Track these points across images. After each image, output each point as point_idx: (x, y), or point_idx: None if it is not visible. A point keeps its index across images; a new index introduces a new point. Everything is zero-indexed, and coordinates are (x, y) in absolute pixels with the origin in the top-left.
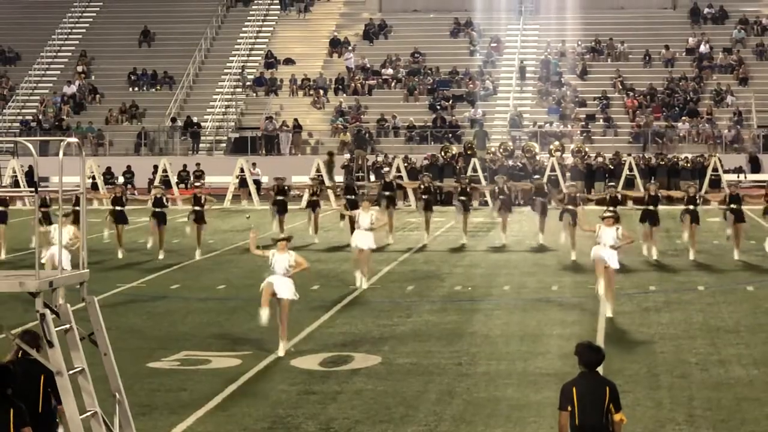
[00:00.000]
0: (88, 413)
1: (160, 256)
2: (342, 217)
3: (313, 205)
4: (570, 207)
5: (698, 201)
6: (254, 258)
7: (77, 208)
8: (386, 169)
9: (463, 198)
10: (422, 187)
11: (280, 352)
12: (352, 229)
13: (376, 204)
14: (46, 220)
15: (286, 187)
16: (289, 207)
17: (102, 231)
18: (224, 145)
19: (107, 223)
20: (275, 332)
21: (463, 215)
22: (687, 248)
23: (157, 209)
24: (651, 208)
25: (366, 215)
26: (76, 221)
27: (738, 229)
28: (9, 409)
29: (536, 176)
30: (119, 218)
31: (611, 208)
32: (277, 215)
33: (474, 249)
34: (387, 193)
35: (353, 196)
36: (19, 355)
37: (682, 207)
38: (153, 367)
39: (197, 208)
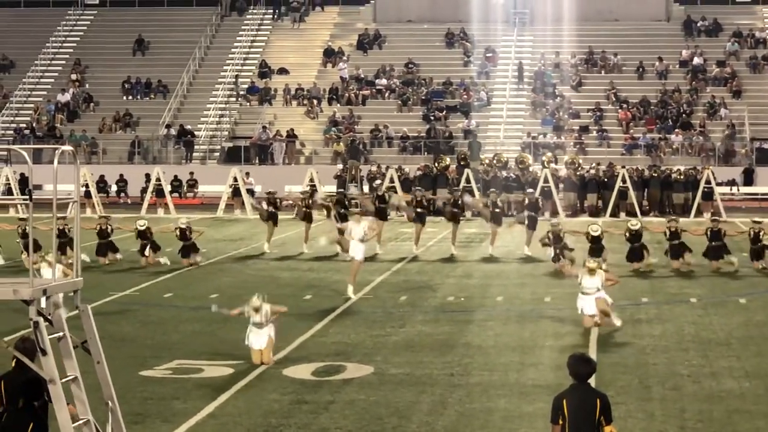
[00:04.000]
0: (81, 421)
1: (143, 262)
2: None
3: (306, 219)
4: (556, 246)
5: (681, 235)
6: (246, 267)
7: (61, 240)
8: (378, 181)
9: (455, 210)
10: (415, 201)
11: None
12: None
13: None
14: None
15: (277, 200)
16: (280, 216)
17: (93, 240)
18: (218, 154)
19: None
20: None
21: (453, 227)
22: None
23: (143, 241)
24: (635, 245)
25: (358, 227)
26: (60, 252)
27: (718, 264)
28: (30, 423)
29: (530, 190)
30: (104, 250)
31: (594, 246)
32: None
33: (467, 259)
34: (380, 206)
35: (344, 209)
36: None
37: (667, 242)
38: (145, 375)
39: (185, 242)
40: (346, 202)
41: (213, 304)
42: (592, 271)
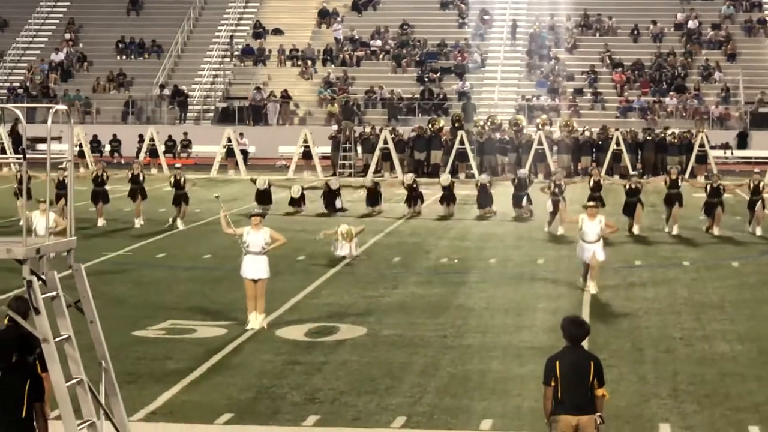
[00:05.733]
0: (74, 381)
1: (138, 224)
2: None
3: (296, 204)
4: (556, 195)
5: (681, 183)
6: (240, 228)
7: (59, 191)
8: (371, 172)
9: (448, 192)
10: (405, 184)
11: (255, 326)
12: (326, 203)
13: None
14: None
15: (268, 188)
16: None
17: (87, 199)
18: (211, 114)
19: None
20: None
21: (446, 209)
22: (671, 224)
23: (134, 186)
24: (632, 200)
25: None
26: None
27: (717, 217)
28: (26, 380)
29: (521, 170)
30: (100, 197)
31: (594, 194)
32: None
33: (460, 221)
34: (372, 199)
35: (333, 197)
36: (6, 322)
37: (666, 190)
38: (139, 335)
39: (178, 191)
40: (338, 188)
41: (216, 194)
42: (592, 214)
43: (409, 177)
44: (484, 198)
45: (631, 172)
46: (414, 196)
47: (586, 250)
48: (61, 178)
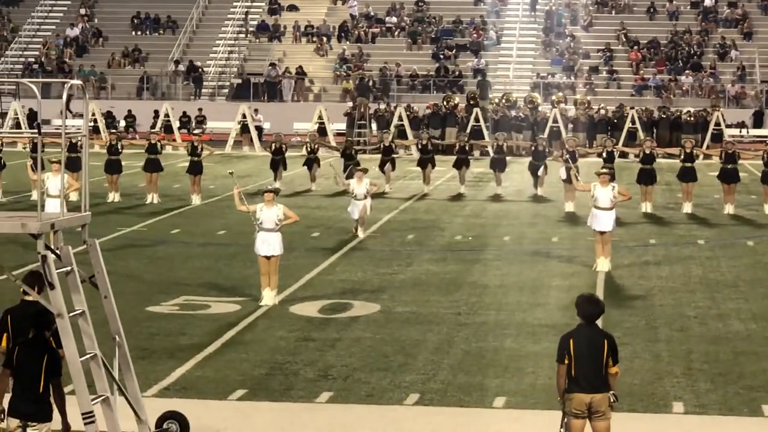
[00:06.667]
0: (88, 355)
1: (149, 200)
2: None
3: (310, 163)
4: (569, 163)
5: (695, 156)
6: (254, 204)
7: (71, 154)
8: (386, 133)
9: (462, 156)
10: (420, 145)
11: (268, 302)
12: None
13: (380, 168)
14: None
15: (283, 147)
16: (288, 154)
17: (101, 175)
18: (226, 90)
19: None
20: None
21: (461, 170)
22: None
23: (150, 156)
24: (647, 167)
25: (360, 185)
26: (69, 169)
27: (732, 188)
28: (44, 355)
29: (541, 136)
30: (113, 167)
31: (607, 165)
32: (275, 172)
33: (474, 199)
34: (387, 157)
35: (350, 162)
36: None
37: (679, 163)
38: (152, 311)
39: (194, 158)
40: (353, 152)
41: (230, 171)
42: (605, 181)
43: (425, 136)
44: (498, 162)
45: (645, 137)
46: (427, 159)
47: (599, 218)
48: (74, 141)
